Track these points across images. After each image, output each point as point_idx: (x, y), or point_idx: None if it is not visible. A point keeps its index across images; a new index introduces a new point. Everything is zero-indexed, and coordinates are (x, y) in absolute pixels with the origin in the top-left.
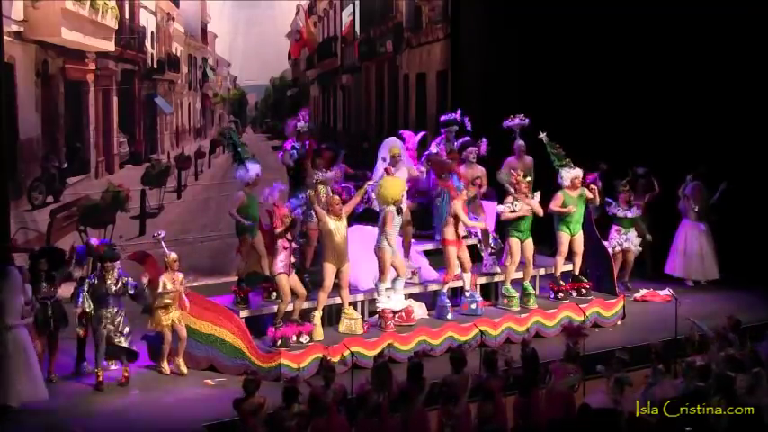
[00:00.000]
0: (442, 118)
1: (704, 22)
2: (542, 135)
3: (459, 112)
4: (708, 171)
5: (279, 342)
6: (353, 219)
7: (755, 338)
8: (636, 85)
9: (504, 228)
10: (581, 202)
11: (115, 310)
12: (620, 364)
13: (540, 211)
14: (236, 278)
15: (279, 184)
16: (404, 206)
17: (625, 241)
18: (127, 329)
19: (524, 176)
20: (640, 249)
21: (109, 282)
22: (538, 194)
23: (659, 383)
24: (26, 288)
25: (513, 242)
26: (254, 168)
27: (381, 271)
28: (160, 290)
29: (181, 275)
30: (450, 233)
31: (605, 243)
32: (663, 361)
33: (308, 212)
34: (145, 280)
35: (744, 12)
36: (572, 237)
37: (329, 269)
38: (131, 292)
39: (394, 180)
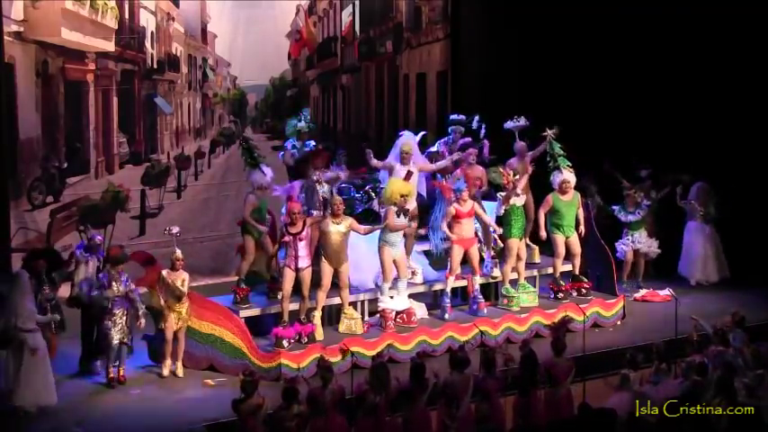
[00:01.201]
0: (451, 117)
1: (705, 22)
2: (549, 132)
3: (477, 117)
4: (691, 180)
5: (275, 341)
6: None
7: (756, 339)
8: (637, 85)
9: (502, 229)
10: (572, 206)
11: (123, 310)
12: (631, 364)
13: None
14: (235, 278)
15: (297, 183)
16: (410, 207)
17: (634, 243)
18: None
19: (513, 175)
20: (659, 251)
21: (115, 284)
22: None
23: (660, 383)
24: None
25: (513, 243)
26: (269, 173)
27: (383, 271)
28: (159, 285)
29: (185, 275)
30: (455, 233)
31: (619, 247)
32: (664, 361)
33: (309, 212)
34: (142, 290)
35: (746, 12)
36: (567, 239)
37: (326, 269)
38: (138, 301)
39: (399, 181)
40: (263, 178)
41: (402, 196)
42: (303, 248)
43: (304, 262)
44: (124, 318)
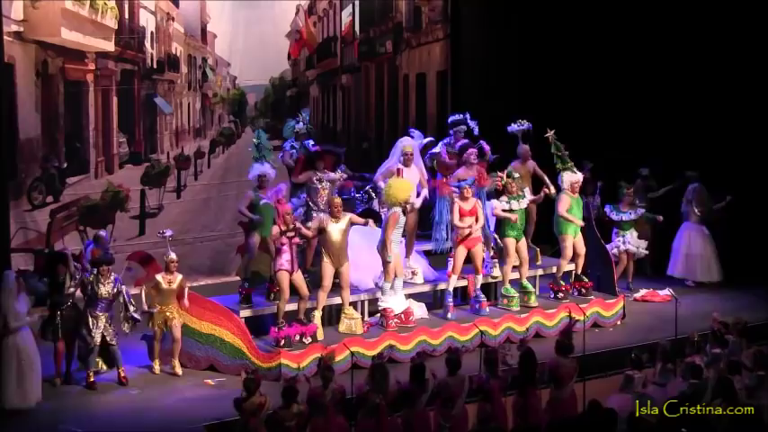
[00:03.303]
0: (451, 119)
1: (707, 21)
2: (549, 134)
3: (467, 115)
4: (699, 176)
5: (282, 342)
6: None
7: (756, 339)
8: (638, 85)
9: (500, 228)
10: (579, 204)
11: (107, 314)
12: (635, 364)
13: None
14: (235, 278)
15: (283, 184)
16: (417, 204)
17: (623, 243)
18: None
19: (508, 176)
20: (646, 252)
21: (103, 285)
22: (528, 192)
23: (667, 384)
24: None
25: (509, 242)
26: (255, 169)
27: (385, 270)
28: (152, 286)
29: (179, 276)
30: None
31: (608, 246)
32: (670, 361)
33: (309, 213)
34: (136, 290)
35: (745, 12)
36: (574, 239)
37: (327, 269)
38: (136, 316)
39: (402, 181)
40: (249, 173)
41: (404, 202)
42: (294, 251)
43: (296, 264)
44: (108, 322)
